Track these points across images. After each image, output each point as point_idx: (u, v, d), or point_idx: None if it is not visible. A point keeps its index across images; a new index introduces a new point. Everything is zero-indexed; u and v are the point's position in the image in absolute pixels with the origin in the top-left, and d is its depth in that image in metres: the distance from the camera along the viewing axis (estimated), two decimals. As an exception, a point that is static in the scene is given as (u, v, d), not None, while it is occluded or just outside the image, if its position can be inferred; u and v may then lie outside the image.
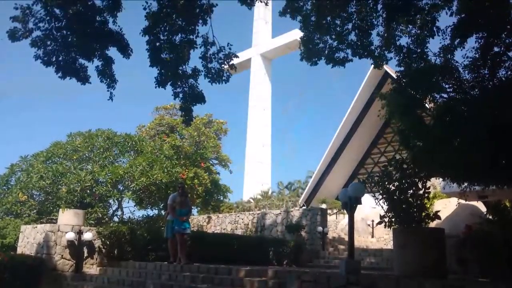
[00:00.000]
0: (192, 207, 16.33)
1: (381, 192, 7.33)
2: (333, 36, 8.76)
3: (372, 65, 9.52)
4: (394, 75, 13.28)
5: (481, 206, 14.60)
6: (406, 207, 7.03)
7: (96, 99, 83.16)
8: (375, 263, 13.26)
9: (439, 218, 7.28)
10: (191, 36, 8.04)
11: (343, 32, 8.68)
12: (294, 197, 28.79)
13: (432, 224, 8.34)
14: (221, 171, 24.02)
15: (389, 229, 7.37)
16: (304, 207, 20.06)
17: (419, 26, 8.45)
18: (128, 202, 15.67)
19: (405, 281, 5.72)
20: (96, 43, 7.70)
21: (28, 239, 11.73)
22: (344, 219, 20.66)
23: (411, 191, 7.06)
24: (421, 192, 7.07)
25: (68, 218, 11.44)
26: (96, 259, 11.36)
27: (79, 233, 10.94)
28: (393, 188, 7.18)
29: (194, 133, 21.06)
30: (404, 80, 8.50)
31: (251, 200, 26.17)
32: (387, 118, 9.58)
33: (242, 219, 18.47)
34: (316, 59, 9.07)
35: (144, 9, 7.65)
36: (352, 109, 24.94)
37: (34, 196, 15.13)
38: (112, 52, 7.91)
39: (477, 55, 8.07)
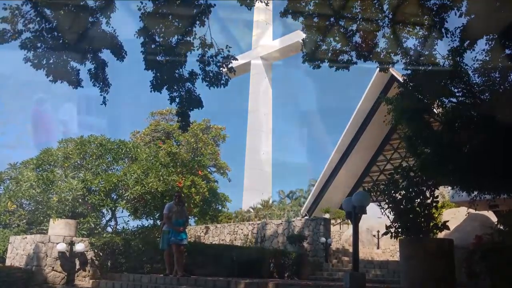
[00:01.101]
0: (189, 217, 16.09)
1: (387, 201, 7.37)
2: (337, 38, 8.53)
3: (378, 68, 9.31)
4: (400, 79, 13.12)
5: (491, 216, 14.47)
6: (413, 217, 7.03)
7: (89, 103, 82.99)
8: (380, 276, 13.11)
9: (447, 228, 7.25)
10: (188, 38, 7.83)
11: (348, 33, 8.45)
12: (296, 207, 28.57)
13: (441, 235, 8.27)
14: (219, 179, 23.86)
15: (395, 240, 7.50)
16: (306, 217, 19.72)
17: (427, 27, 8.21)
18: (122, 212, 15.43)
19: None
20: (89, 45, 7.54)
21: (18, 250, 11.57)
22: (348, 230, 20.40)
23: (419, 200, 7.10)
24: (429, 201, 7.11)
25: (59, 228, 11.35)
26: (89, 271, 11.21)
27: (71, 244, 10.87)
28: (399, 197, 7.24)
29: (191, 140, 20.84)
30: (411, 84, 8.38)
31: (251, 210, 25.84)
32: (393, 124, 9.43)
33: (242, 229, 18.25)
34: (319, 61, 8.86)
35: (139, 9, 7.46)
36: (357, 114, 24.66)
37: (24, 205, 14.91)
38: (105, 54, 7.78)
39: (487, 58, 7.90)
